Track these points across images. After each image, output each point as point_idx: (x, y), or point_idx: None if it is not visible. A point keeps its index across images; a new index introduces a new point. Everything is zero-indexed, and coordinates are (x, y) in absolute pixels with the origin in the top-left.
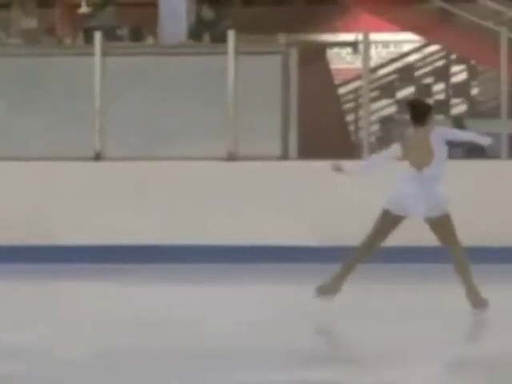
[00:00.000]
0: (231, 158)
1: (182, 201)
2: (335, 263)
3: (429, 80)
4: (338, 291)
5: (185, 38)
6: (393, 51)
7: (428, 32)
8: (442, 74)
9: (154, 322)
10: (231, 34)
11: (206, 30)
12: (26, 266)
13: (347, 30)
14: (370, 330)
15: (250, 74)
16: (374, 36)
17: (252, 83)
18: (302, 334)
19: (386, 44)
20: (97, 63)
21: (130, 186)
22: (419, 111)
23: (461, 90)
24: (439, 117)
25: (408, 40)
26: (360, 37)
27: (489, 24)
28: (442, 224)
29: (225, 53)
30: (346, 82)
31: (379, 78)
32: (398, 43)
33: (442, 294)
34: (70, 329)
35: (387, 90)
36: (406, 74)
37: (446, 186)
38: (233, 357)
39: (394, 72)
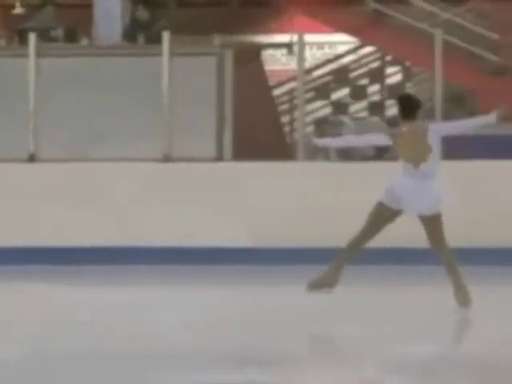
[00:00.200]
0: (166, 159)
1: (116, 202)
2: (270, 264)
3: (364, 81)
4: (336, 284)
5: (119, 39)
6: (328, 52)
7: (363, 33)
8: (377, 76)
9: (84, 324)
10: (166, 35)
11: (140, 31)
12: None
13: (282, 31)
14: (305, 330)
15: (184, 75)
16: (308, 37)
17: (187, 84)
18: (233, 335)
19: (320, 45)
20: (31, 64)
21: (65, 188)
22: (409, 106)
23: (396, 91)
24: (374, 118)
25: (343, 41)
26: (295, 38)
27: (423, 26)
28: (433, 222)
29: (159, 54)
30: (281, 84)
31: (314, 80)
32: (332, 44)
33: (400, 295)
34: (1, 330)
35: (322, 92)
36: (341, 76)
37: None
38: (161, 358)
39: (328, 73)
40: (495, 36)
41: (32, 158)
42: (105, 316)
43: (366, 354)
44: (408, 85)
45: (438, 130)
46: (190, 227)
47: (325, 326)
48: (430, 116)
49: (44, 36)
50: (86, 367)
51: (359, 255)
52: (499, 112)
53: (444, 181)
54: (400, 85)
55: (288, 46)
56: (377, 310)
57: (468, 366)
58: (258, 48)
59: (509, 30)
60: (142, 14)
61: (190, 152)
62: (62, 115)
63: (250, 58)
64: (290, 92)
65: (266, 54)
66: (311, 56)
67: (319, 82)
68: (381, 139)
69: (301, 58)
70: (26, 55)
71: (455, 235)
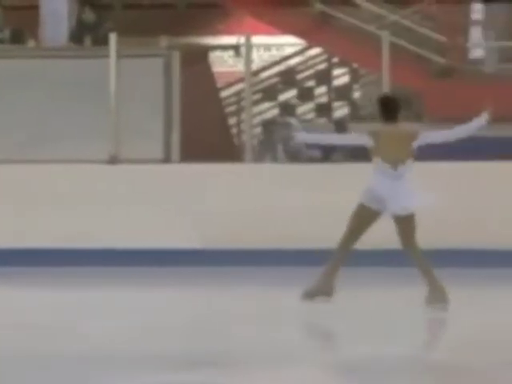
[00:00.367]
0: (113, 160)
1: (63, 204)
2: (219, 266)
3: (311, 83)
4: (333, 293)
5: (66, 41)
6: (275, 54)
7: (309, 35)
8: (324, 77)
9: (27, 326)
10: (113, 37)
11: (87, 33)
12: None
13: (229, 32)
14: (254, 331)
15: (131, 77)
16: (256, 39)
17: (134, 86)
18: (182, 337)
19: (267, 47)
20: None
21: (11, 189)
22: (390, 107)
23: (343, 93)
24: (321, 120)
25: (290, 43)
26: (242, 40)
27: (370, 28)
28: (407, 222)
29: (106, 56)
30: (229, 85)
31: (261, 81)
32: (279, 46)
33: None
34: None
35: (269, 93)
36: (288, 77)
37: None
38: (109, 360)
39: (276, 75)
40: (442, 38)
41: None
42: (50, 317)
43: (317, 354)
44: (355, 86)
45: (428, 137)
46: (137, 229)
47: (276, 328)
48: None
49: None
50: (27, 369)
51: (349, 258)
52: (486, 114)
53: (420, 182)
54: (347, 87)
55: (235, 48)
56: (332, 310)
57: (428, 368)
58: (205, 50)
59: (455, 32)
60: (89, 15)
61: (137, 153)
62: (9, 117)
63: (197, 59)
64: (238, 94)
65: (214, 55)
66: (258, 58)
67: (266, 83)
68: (361, 139)
69: (248, 60)
70: None
71: (428, 237)
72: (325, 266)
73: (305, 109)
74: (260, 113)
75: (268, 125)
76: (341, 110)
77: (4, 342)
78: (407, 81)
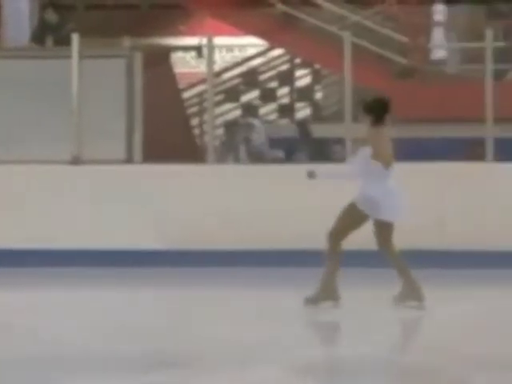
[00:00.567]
0: (75, 161)
1: (25, 205)
2: (181, 267)
3: (273, 84)
4: (338, 297)
5: (28, 42)
6: (237, 55)
7: (272, 36)
8: (287, 78)
9: None
10: (75, 38)
11: (49, 34)
12: None
13: (191, 33)
14: (213, 332)
15: (94, 78)
16: (218, 40)
17: (96, 87)
18: (141, 338)
19: (230, 48)
20: None
21: None
22: (382, 110)
23: (305, 94)
24: (283, 121)
25: (252, 44)
26: (204, 41)
27: (332, 28)
28: (388, 225)
29: (69, 56)
30: (191, 86)
31: (224, 82)
32: (242, 47)
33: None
34: None
35: (232, 94)
36: (251, 78)
37: None
38: (67, 361)
39: (238, 76)
40: (403, 39)
41: None
42: (10, 318)
43: (288, 355)
44: (317, 87)
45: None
46: (99, 229)
47: (244, 328)
48: (340, 119)
49: None
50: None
51: (343, 258)
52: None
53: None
54: (309, 87)
55: (197, 49)
56: (305, 311)
57: (400, 370)
58: (168, 50)
59: (417, 33)
60: (51, 16)
61: (99, 154)
62: None
63: (160, 60)
64: (200, 95)
65: (176, 56)
66: (220, 59)
67: (229, 84)
68: (367, 150)
69: (210, 61)
70: None
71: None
72: (323, 272)
73: (267, 110)
74: (222, 114)
75: (230, 126)
76: (303, 111)
77: None
78: (369, 81)
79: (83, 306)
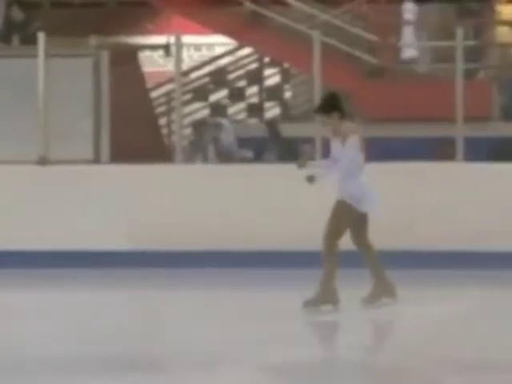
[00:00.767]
0: (42, 161)
1: None
2: (150, 267)
3: (242, 83)
4: (338, 300)
5: None
6: (205, 54)
7: (240, 35)
8: (255, 77)
9: None
10: (41, 36)
11: (15, 32)
12: None
13: (159, 32)
14: (186, 333)
15: (60, 77)
16: (186, 38)
17: (63, 86)
18: (113, 340)
19: (198, 47)
20: None
21: None
22: (342, 102)
23: (274, 93)
24: (252, 120)
25: (220, 43)
26: (172, 39)
27: (301, 27)
28: (365, 220)
29: (35, 55)
30: (159, 85)
31: (192, 81)
32: (210, 46)
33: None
34: None
35: (200, 93)
36: (219, 77)
37: None
38: (38, 364)
39: (206, 75)
40: (373, 38)
41: None
42: None
43: (255, 356)
44: (286, 87)
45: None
46: (66, 230)
47: (211, 329)
48: (309, 118)
49: None
50: None
51: (341, 259)
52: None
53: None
54: (278, 87)
55: (165, 48)
56: (276, 311)
57: (373, 370)
58: (135, 49)
59: (387, 32)
60: (17, 14)
61: (67, 154)
62: None
63: (127, 59)
64: (168, 94)
65: (143, 55)
66: (188, 57)
67: (197, 83)
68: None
69: (178, 60)
70: None
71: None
72: (321, 275)
73: (236, 109)
74: (190, 113)
75: (199, 125)
76: (272, 111)
77: None
78: (339, 81)
79: (51, 307)
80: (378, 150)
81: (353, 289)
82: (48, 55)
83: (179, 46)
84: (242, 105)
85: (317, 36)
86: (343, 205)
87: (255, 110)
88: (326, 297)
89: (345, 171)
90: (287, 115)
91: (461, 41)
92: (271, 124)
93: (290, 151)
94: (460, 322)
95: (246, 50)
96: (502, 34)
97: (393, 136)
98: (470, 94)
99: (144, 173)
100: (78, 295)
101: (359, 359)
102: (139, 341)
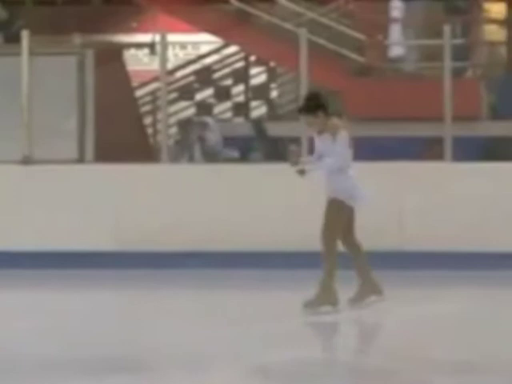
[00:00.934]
0: (26, 161)
1: None
2: (134, 268)
3: (228, 82)
4: (337, 301)
5: None
6: (191, 52)
7: (226, 33)
8: (241, 76)
9: None
10: (25, 34)
11: None
12: None
13: (144, 30)
14: (172, 335)
15: (44, 76)
16: (171, 37)
17: (47, 85)
18: (100, 341)
19: (183, 45)
20: None
21: None
22: (326, 100)
23: (260, 92)
24: (238, 119)
25: (206, 41)
26: (157, 38)
27: (288, 25)
28: (352, 215)
29: (18, 53)
30: (144, 84)
31: (177, 80)
32: (195, 44)
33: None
34: None
35: (185, 92)
36: (205, 76)
37: None
38: (24, 367)
39: (192, 74)
40: (360, 36)
41: None
42: None
43: (241, 359)
44: (273, 85)
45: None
46: (51, 230)
47: (197, 331)
48: (295, 117)
49: None
50: None
51: (340, 259)
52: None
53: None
54: (264, 86)
55: (150, 46)
56: (262, 312)
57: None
58: (120, 48)
59: (374, 30)
60: (0, 12)
61: (51, 153)
62: None
63: (112, 57)
64: (153, 93)
65: (128, 53)
66: (174, 56)
67: (182, 82)
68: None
69: (163, 58)
70: None
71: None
72: (321, 275)
73: (222, 108)
74: (176, 112)
75: (184, 124)
76: (258, 110)
77: None
78: (326, 79)
79: (34, 308)
80: (366, 150)
81: (353, 289)
82: (32, 53)
83: (164, 44)
84: (227, 104)
85: (303, 34)
86: (334, 202)
87: (241, 108)
88: (325, 297)
89: (336, 168)
90: (273, 114)
91: (449, 39)
92: (257, 123)
93: (276, 150)
94: (450, 322)
95: (232, 49)
96: (490, 32)
97: (380, 135)
98: (458, 93)
99: (129, 172)
100: (62, 296)
101: (356, 360)
102: (127, 342)
